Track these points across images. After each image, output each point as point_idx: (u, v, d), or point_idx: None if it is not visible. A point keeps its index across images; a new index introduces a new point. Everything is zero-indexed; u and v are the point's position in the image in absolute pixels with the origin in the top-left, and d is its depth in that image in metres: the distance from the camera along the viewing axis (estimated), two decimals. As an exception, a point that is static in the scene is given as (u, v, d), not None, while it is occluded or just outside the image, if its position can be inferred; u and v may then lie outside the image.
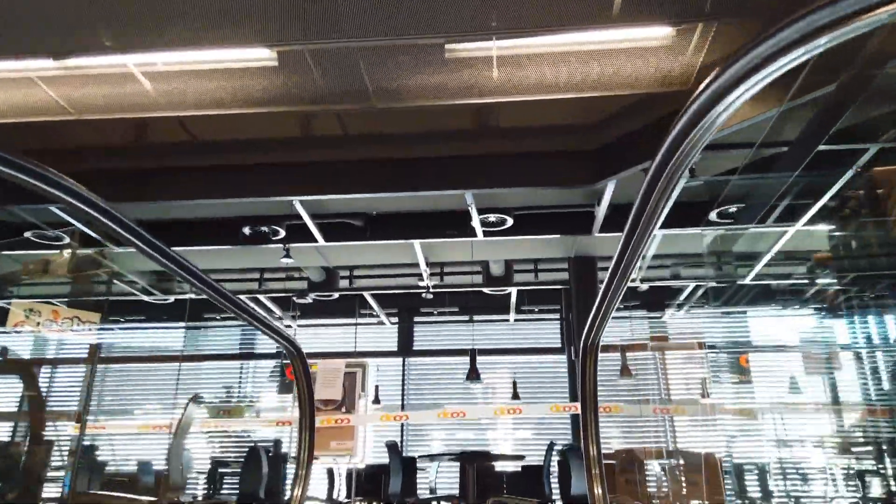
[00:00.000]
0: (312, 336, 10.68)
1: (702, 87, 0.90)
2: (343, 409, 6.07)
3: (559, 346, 10.02)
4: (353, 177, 5.95)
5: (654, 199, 1.23)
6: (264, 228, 6.99)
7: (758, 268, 7.33)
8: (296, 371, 2.76)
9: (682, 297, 9.24)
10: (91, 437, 9.58)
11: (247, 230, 7.06)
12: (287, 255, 7.22)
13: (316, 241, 7.00)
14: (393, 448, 6.70)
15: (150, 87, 4.55)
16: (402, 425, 9.74)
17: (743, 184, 6.13)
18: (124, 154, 5.83)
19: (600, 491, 2.42)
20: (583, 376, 2.56)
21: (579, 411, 2.70)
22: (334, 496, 7.93)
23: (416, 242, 7.20)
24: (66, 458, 7.81)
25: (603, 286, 1.87)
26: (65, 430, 9.26)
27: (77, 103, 4.56)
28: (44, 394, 8.96)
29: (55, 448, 7.99)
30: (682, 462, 5.88)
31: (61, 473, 7.40)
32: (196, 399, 4.53)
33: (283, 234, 7.04)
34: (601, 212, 6.35)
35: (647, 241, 1.43)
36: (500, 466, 7.25)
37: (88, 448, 7.90)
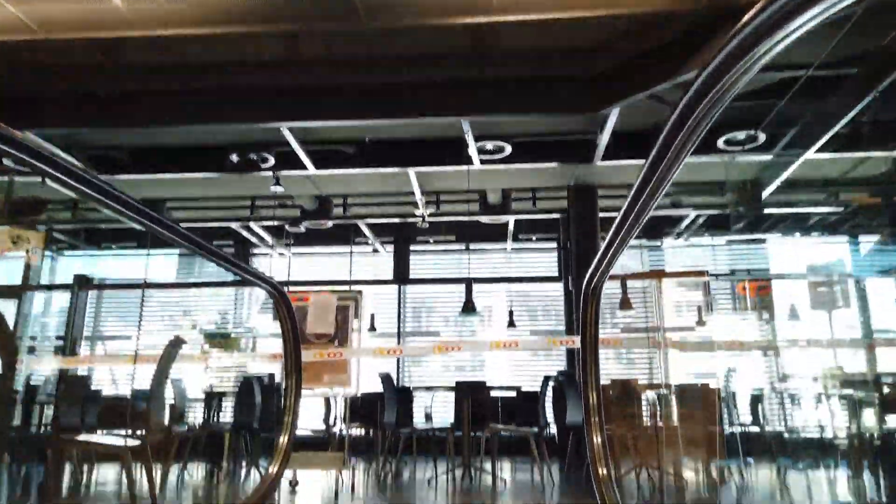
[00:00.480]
0: (307, 264, 10.57)
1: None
2: (336, 343, 5.98)
3: (556, 274, 9.93)
4: (342, 102, 5.65)
5: (693, 122, 0.97)
6: (253, 156, 6.72)
7: (767, 193, 7.15)
8: (279, 313, 2.61)
9: (682, 226, 9.08)
10: (74, 370, 9.61)
11: (234, 157, 6.79)
12: (277, 184, 6.98)
13: (306, 168, 6.75)
14: (387, 380, 6.68)
15: (120, 2, 4.19)
16: (398, 359, 9.78)
17: (752, 108, 5.85)
18: (100, 75, 5.49)
19: (599, 440, 2.32)
20: (583, 323, 2.41)
21: (577, 345, 2.56)
22: (330, 422, 8.01)
23: (412, 170, 6.96)
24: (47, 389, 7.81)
25: (612, 229, 1.68)
26: (42, 364, 9.27)
27: (41, 20, 4.22)
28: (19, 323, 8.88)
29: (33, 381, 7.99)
30: (678, 392, 5.87)
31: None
32: (177, 342, 4.40)
33: (272, 161, 6.77)
34: (603, 139, 6.09)
35: (674, 173, 1.19)
36: (496, 394, 7.28)
37: (72, 380, 7.91)
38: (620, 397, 6.12)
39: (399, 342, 9.94)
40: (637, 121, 5.97)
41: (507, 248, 10.04)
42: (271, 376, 6.97)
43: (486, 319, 9.98)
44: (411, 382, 9.68)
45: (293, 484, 5.92)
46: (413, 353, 9.86)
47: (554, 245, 10.03)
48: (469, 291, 7.71)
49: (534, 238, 10.03)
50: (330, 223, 8.97)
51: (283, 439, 2.53)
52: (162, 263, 10.61)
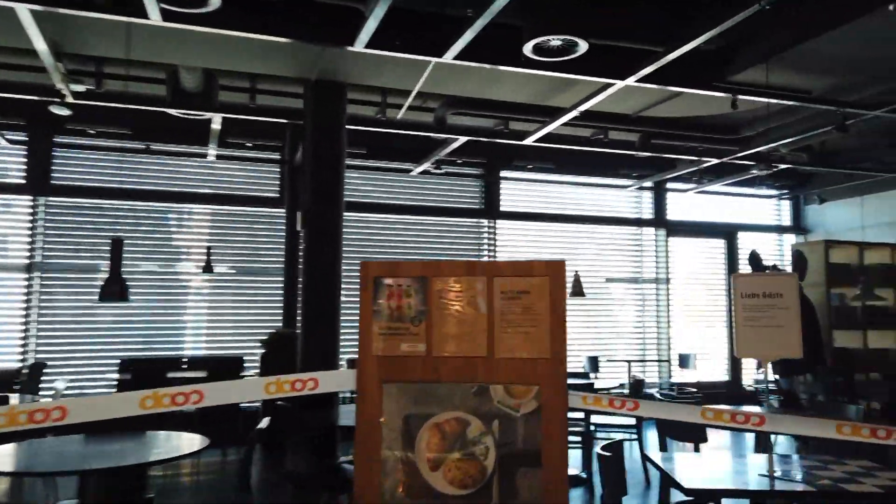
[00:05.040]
0: None
1: None
2: None
3: (277, 195, 7.49)
4: None
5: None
6: None
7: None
8: None
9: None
10: None
11: None
12: None
13: None
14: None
15: None
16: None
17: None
18: None
19: None
20: None
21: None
22: None
23: (23, 7, 3.81)
24: None
25: None
26: None
27: None
28: None
29: None
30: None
31: None
32: None
33: None
34: (376, 13, 3.76)
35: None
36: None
37: None
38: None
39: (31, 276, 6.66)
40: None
41: (209, 156, 7.21)
42: None
43: (185, 255, 7.15)
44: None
45: None
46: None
47: (277, 156, 7.51)
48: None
49: (250, 145, 7.37)
50: None
51: None
52: None
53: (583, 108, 5.39)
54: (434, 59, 4.42)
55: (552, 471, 2.23)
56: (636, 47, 4.49)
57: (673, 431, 3.75)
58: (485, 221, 8.24)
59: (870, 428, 2.03)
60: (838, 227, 8.77)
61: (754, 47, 4.54)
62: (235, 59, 5.08)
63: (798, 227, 9.59)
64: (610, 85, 4.79)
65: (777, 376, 5.84)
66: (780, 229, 9.61)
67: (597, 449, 2.57)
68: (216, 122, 6.24)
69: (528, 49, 4.05)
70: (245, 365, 6.71)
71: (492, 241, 8.22)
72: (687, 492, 2.34)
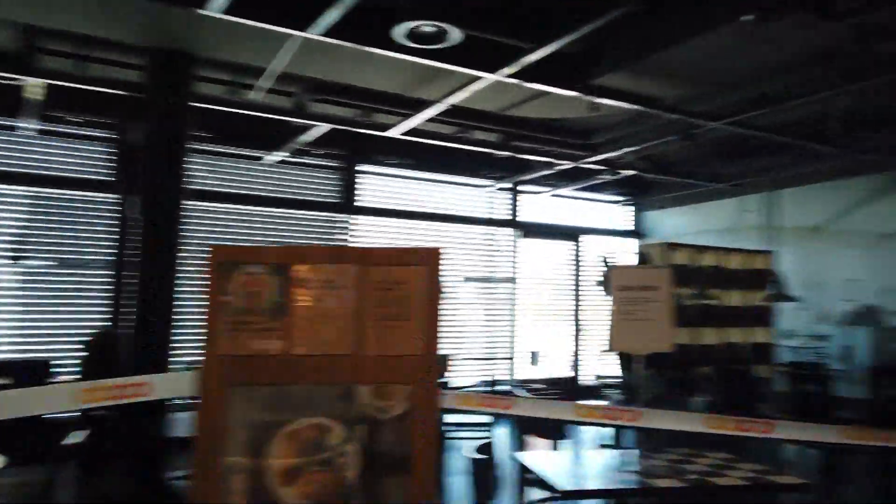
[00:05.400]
0: None
1: None
2: None
3: (107, 178, 6.68)
4: None
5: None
6: None
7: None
8: None
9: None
10: None
11: None
12: None
13: None
14: None
15: None
16: None
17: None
18: None
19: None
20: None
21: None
22: None
23: None
24: None
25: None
26: None
27: None
28: None
29: None
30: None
31: None
32: None
33: None
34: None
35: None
36: None
37: None
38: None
39: None
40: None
41: (25, 129, 6.25)
42: None
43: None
44: None
45: None
46: None
47: (110, 134, 6.69)
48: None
49: (82, 121, 6.50)
50: None
51: None
52: None
53: (450, 101, 5.29)
54: (299, 34, 4.08)
55: (421, 477, 2.05)
56: (510, 43, 4.45)
57: (533, 429, 3.72)
58: (341, 216, 7.93)
59: (734, 421, 2.05)
60: (675, 233, 9.45)
61: (616, 53, 4.67)
62: (63, 16, 4.40)
63: (639, 232, 10.24)
64: (479, 78, 4.71)
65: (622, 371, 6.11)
66: (623, 234, 10.20)
67: (464, 451, 2.42)
68: (35, 90, 5.40)
69: (399, 33, 3.85)
70: (59, 370, 5.84)
71: (345, 237, 7.93)
72: (563, 494, 2.25)
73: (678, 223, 9.65)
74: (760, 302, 6.74)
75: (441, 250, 2.02)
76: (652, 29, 4.39)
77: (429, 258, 1.99)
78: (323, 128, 6.13)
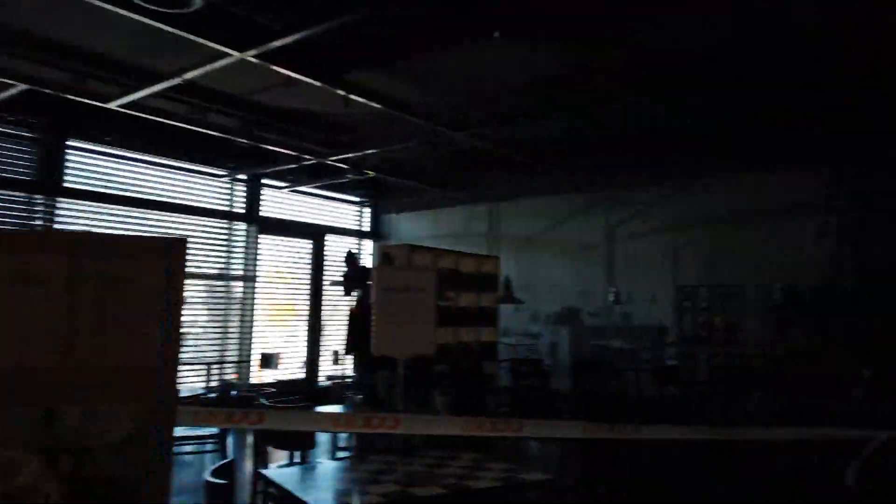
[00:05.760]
0: None
1: None
2: None
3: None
4: None
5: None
6: None
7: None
8: None
9: None
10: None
11: None
12: None
13: None
14: None
15: None
16: None
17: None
18: None
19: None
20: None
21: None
22: None
23: None
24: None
25: None
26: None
27: None
28: None
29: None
30: None
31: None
32: None
33: None
34: None
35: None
36: None
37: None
38: None
39: None
40: None
41: None
42: None
43: None
44: None
45: None
46: None
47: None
48: None
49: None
50: None
51: None
52: None
53: (189, 75, 4.71)
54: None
55: (148, 513, 1.71)
56: (259, 20, 4.09)
57: (275, 439, 3.44)
58: (42, 199, 6.64)
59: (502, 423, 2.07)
60: (410, 236, 9.79)
61: (370, 51, 4.61)
62: None
63: (377, 233, 10.41)
64: (226, 55, 4.26)
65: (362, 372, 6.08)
66: (361, 234, 10.28)
67: (205, 475, 2.10)
68: None
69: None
70: None
71: (49, 225, 6.68)
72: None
73: (412, 227, 10.04)
74: (488, 303, 7.26)
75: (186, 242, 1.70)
76: (407, 32, 4.42)
77: (169, 250, 1.65)
78: (19, 87, 5.04)
